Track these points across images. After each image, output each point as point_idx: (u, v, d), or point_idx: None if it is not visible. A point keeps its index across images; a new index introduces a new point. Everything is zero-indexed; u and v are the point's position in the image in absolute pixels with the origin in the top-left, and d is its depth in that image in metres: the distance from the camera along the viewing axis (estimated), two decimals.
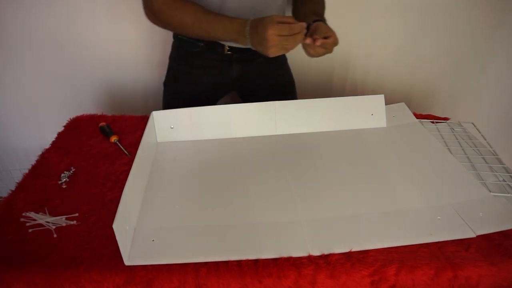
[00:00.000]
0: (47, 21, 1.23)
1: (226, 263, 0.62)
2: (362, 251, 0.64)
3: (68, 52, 1.30)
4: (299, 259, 0.62)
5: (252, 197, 0.74)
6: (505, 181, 0.76)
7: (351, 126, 0.96)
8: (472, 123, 0.94)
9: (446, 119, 0.99)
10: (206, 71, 1.04)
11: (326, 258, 0.62)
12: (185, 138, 0.93)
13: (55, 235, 0.66)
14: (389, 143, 0.90)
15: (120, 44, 1.29)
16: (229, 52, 1.01)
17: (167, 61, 1.20)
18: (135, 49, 1.31)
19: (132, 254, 0.62)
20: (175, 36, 1.06)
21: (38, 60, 1.31)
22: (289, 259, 0.62)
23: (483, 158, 0.83)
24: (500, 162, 0.81)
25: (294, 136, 0.94)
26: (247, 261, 0.62)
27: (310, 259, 0.62)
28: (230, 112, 0.93)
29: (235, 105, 0.92)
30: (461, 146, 0.87)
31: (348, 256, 0.63)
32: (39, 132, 1.39)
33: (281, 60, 1.14)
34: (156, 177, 0.80)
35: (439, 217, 0.68)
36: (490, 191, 0.73)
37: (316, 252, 0.63)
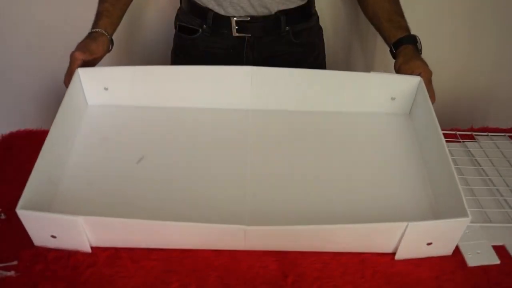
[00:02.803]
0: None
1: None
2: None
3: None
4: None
5: (196, 184, 0.69)
6: None
7: (359, 108, 0.82)
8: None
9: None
10: (210, 65, 0.94)
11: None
12: (125, 103, 0.79)
13: None
14: (400, 133, 0.80)
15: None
16: (239, 35, 0.95)
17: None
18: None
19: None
20: (176, 23, 1.03)
21: None
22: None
23: None
24: None
25: (273, 114, 0.81)
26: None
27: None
28: (190, 76, 0.79)
29: (197, 67, 0.80)
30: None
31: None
32: None
33: (315, 37, 1.06)
34: (81, 153, 0.72)
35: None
36: None
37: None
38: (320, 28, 1.08)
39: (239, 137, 0.77)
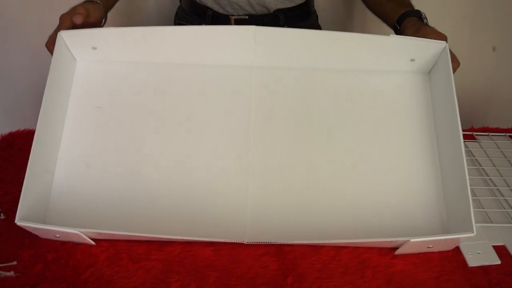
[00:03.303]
0: None
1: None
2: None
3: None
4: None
5: (196, 155, 0.67)
6: None
7: (375, 66, 0.73)
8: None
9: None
10: None
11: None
12: (117, 60, 0.72)
13: None
14: (415, 97, 0.72)
15: None
16: None
17: None
18: None
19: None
20: (175, 22, 1.04)
21: None
22: None
23: None
24: None
25: (279, 71, 0.72)
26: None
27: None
28: (186, 35, 0.71)
29: (192, 28, 0.75)
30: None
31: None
32: None
33: None
34: (75, 130, 0.69)
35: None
36: None
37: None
38: (319, 27, 1.08)
39: (240, 98, 0.71)
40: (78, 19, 0.70)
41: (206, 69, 0.72)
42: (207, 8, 0.95)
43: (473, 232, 0.58)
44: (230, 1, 0.92)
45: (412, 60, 0.73)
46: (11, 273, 0.59)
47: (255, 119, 0.70)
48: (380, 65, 0.73)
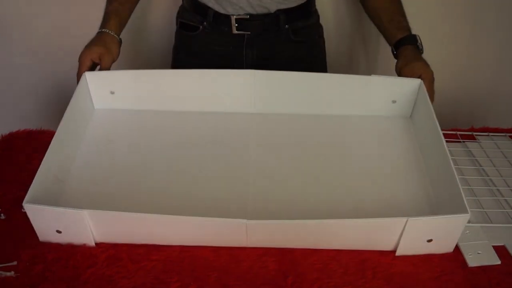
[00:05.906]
0: None
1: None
2: None
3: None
4: None
5: (198, 185, 0.70)
6: None
7: (360, 111, 0.82)
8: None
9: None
10: (210, 61, 0.95)
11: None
12: (129, 107, 0.82)
13: None
14: (401, 135, 0.80)
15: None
16: (238, 32, 0.96)
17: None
18: None
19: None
20: (177, 20, 1.04)
21: None
22: None
23: None
24: None
25: (275, 117, 0.82)
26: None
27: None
28: (191, 79, 0.81)
29: (201, 71, 0.81)
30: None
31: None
32: None
33: (315, 35, 1.06)
34: (87, 154, 0.75)
35: None
36: None
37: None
38: (320, 26, 1.08)
39: (242, 140, 0.79)
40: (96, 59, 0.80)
41: (209, 115, 0.82)
42: (208, 7, 0.95)
43: (467, 213, 0.58)
44: (231, 2, 0.93)
45: (394, 101, 0.81)
46: (11, 273, 0.59)
47: (255, 157, 0.75)
48: (366, 109, 0.82)
